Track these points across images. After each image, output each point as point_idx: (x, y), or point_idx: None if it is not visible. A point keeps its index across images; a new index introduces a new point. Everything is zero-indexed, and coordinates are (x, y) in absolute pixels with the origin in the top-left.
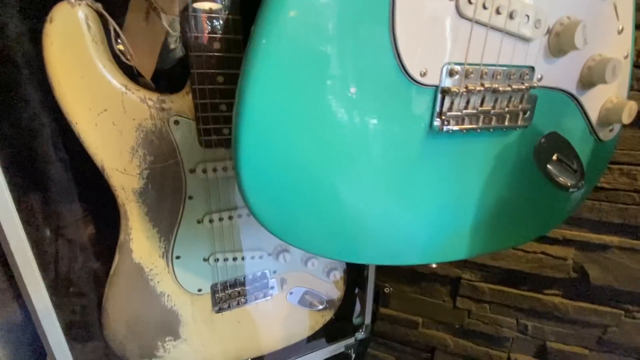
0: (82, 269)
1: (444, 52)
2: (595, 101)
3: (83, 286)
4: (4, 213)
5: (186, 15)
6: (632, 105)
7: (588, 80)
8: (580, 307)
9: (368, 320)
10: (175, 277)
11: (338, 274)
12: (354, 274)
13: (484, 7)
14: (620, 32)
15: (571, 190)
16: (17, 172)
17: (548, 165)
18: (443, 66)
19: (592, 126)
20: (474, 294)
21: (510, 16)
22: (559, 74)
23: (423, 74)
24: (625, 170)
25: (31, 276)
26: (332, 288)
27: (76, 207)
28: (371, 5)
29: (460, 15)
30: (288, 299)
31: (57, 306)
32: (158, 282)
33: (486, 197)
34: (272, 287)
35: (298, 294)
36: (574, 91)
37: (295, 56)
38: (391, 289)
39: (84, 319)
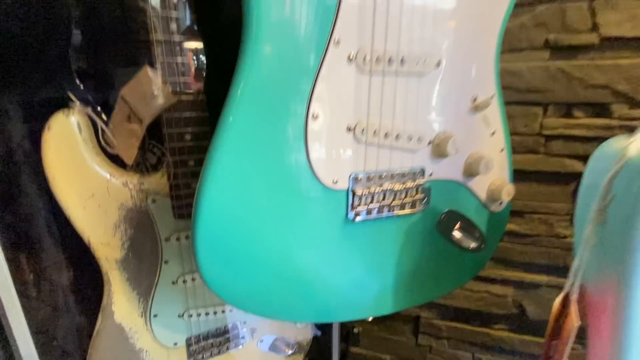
0: (68, 329)
1: (348, 166)
2: (481, 185)
3: (69, 345)
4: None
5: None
6: (509, 187)
7: (470, 172)
8: (524, 339)
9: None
10: (153, 333)
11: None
12: None
13: (375, 134)
14: (492, 134)
15: (475, 251)
16: (14, 248)
17: (453, 234)
18: (349, 175)
19: (482, 203)
20: (432, 331)
21: (396, 138)
22: (447, 169)
23: (335, 182)
24: (543, 219)
25: (24, 342)
26: (300, 332)
27: (64, 273)
28: (291, 146)
29: (357, 141)
30: (259, 347)
31: None
32: (137, 339)
33: (403, 264)
34: (243, 337)
35: (268, 342)
36: (461, 180)
37: (240, 179)
38: (360, 328)
39: None
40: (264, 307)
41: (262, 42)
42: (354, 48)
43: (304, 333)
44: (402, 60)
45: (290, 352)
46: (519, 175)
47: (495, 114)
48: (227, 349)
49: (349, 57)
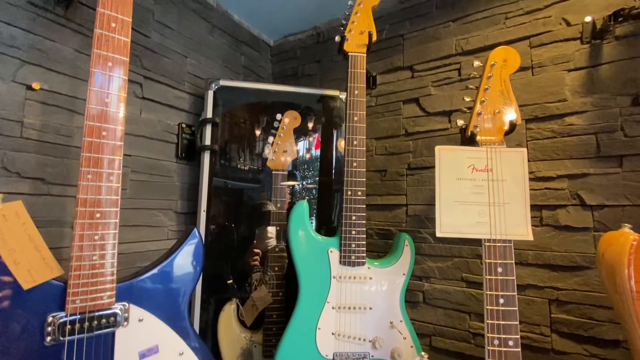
0: None
1: (333, 348)
2: (399, 358)
3: None
4: None
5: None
6: (407, 352)
7: (393, 357)
8: None
9: None
10: None
11: None
12: None
13: (344, 337)
14: (404, 339)
15: None
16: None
17: None
18: (333, 352)
19: None
20: None
21: (354, 338)
22: (380, 353)
23: (327, 355)
24: None
25: None
26: None
27: None
28: (310, 339)
29: (336, 339)
30: None
31: None
32: None
33: None
34: None
35: None
36: (389, 359)
37: (294, 347)
38: None
39: None
40: None
41: (302, 291)
42: (335, 304)
43: None
44: (353, 307)
45: None
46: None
47: (404, 328)
48: None
49: (332, 307)
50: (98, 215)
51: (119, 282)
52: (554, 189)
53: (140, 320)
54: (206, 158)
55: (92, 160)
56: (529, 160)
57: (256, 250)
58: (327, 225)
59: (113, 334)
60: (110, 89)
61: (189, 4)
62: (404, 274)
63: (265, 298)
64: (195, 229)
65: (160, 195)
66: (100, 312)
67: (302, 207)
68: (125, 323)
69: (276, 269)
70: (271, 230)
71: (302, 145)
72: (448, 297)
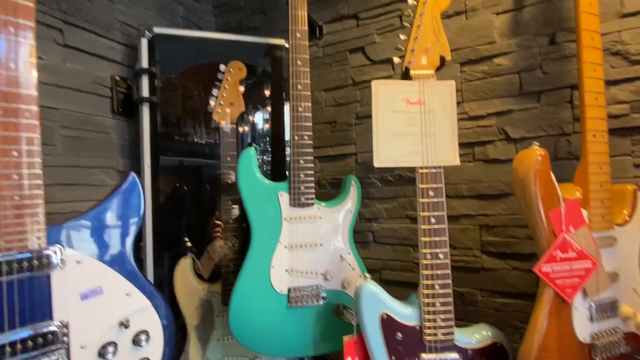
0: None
1: (287, 284)
2: (349, 286)
3: None
4: None
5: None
6: (356, 281)
7: (344, 286)
8: None
9: None
10: None
11: None
12: None
13: (298, 273)
14: (353, 269)
15: (351, 324)
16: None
17: (344, 312)
18: (287, 288)
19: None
20: None
21: (307, 273)
22: (332, 284)
23: (281, 290)
24: None
25: None
26: None
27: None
28: (265, 278)
29: (290, 274)
30: None
31: None
32: None
33: (316, 330)
34: None
35: None
36: (340, 289)
37: (248, 288)
38: None
39: None
40: (261, 348)
41: (254, 234)
42: (287, 243)
43: None
44: (305, 245)
45: None
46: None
47: (352, 260)
48: None
49: (284, 247)
50: (15, 153)
51: (53, 225)
52: (484, 127)
53: (78, 263)
54: (145, 112)
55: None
56: (463, 101)
57: (218, 222)
58: (282, 178)
59: (49, 276)
60: None
61: None
62: (351, 211)
63: (222, 250)
64: (132, 173)
65: (98, 153)
66: (30, 254)
67: (250, 154)
68: (62, 265)
69: (230, 221)
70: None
71: (251, 99)
72: (394, 234)
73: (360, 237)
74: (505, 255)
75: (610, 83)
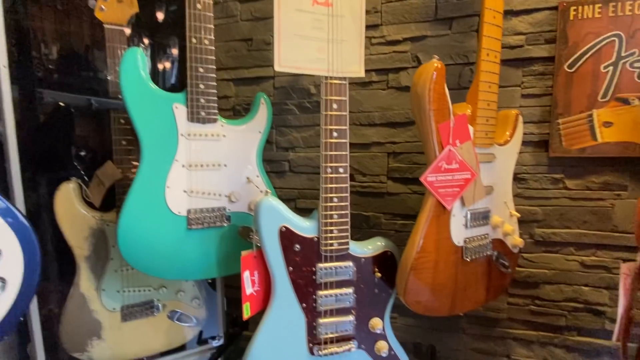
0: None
1: (186, 205)
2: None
3: (53, 304)
4: None
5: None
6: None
7: (250, 208)
8: None
9: (221, 331)
10: (101, 301)
11: (198, 301)
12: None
13: (198, 193)
14: (261, 192)
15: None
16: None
17: (251, 234)
18: (186, 209)
19: None
20: None
21: (209, 194)
22: (238, 207)
23: (179, 212)
24: None
25: None
26: (197, 311)
27: (55, 265)
28: (160, 198)
29: (189, 196)
30: (168, 317)
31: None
32: (92, 303)
33: (219, 251)
34: (158, 309)
35: (174, 315)
36: (247, 211)
37: (139, 209)
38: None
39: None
40: (158, 272)
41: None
42: (186, 162)
43: (200, 312)
44: (206, 165)
45: (191, 324)
46: None
47: (261, 183)
48: (146, 315)
49: (182, 166)
50: None
51: None
52: (399, 52)
53: None
54: None
55: None
56: (382, 24)
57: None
58: None
59: None
60: None
61: None
62: (260, 132)
63: (113, 174)
64: None
65: None
66: None
67: (135, 53)
68: None
69: (123, 142)
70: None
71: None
72: (310, 163)
73: (276, 166)
74: (407, 180)
75: (512, 13)
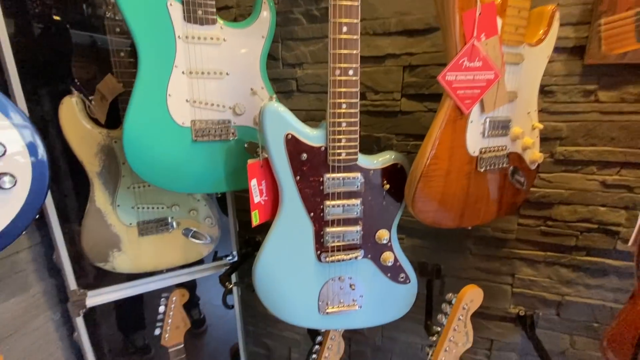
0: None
1: (189, 116)
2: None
3: (72, 219)
4: None
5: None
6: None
7: (256, 122)
8: None
9: (234, 250)
10: (118, 215)
11: (211, 220)
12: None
13: (201, 104)
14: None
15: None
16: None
17: (257, 151)
18: (190, 120)
19: None
20: None
21: (212, 105)
22: (243, 120)
23: (183, 123)
24: None
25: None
26: (210, 229)
27: (69, 182)
28: (163, 107)
29: (192, 106)
30: (182, 234)
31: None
32: (109, 217)
33: (227, 165)
34: (172, 226)
35: (189, 232)
36: (252, 125)
37: (142, 118)
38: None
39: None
40: (165, 184)
41: (141, 55)
42: (185, 68)
43: (213, 231)
44: (207, 72)
45: (204, 241)
46: None
47: (265, 94)
48: (161, 232)
49: (182, 72)
50: None
51: None
52: None
53: None
54: None
55: None
56: None
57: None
58: None
59: None
60: None
61: None
62: (263, 37)
63: (114, 87)
64: None
65: None
66: None
67: None
68: None
69: (122, 54)
70: None
71: None
72: (319, 81)
73: (283, 85)
74: (423, 97)
75: None
